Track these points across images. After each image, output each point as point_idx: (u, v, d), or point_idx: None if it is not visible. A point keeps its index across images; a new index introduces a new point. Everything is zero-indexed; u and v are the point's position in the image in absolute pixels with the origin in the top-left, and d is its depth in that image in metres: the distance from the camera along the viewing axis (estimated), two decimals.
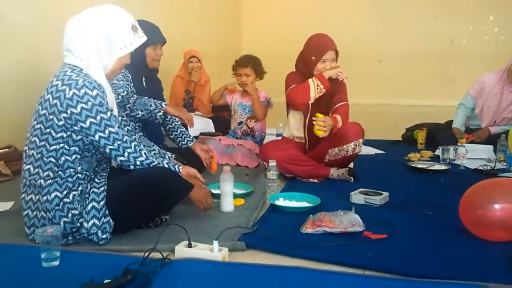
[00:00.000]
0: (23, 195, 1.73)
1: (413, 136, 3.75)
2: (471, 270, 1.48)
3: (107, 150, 1.68)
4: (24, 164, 1.71)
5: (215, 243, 1.55)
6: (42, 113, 1.66)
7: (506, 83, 3.47)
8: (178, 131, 2.76)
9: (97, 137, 1.65)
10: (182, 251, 1.57)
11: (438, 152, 3.19)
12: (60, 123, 1.63)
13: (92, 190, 1.71)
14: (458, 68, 5.88)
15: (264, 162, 2.62)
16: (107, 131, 1.65)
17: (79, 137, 1.67)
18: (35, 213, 1.69)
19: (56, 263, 1.48)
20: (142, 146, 1.83)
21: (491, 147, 3.28)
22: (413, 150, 3.42)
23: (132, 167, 1.73)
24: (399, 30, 6.25)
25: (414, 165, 2.98)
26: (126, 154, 1.70)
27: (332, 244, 1.69)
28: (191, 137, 2.78)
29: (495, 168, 2.87)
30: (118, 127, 1.71)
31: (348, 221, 1.82)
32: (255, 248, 1.68)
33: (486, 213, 1.71)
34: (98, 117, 1.63)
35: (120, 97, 2.40)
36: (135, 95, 2.51)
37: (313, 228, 1.81)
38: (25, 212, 1.72)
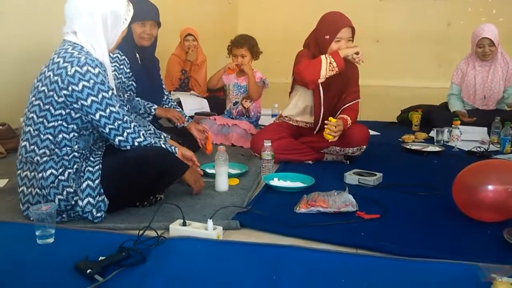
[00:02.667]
0: (18, 172, 1.72)
1: (408, 117, 3.76)
2: (462, 250, 1.50)
3: (106, 130, 1.67)
4: (21, 141, 1.71)
5: (210, 221, 1.56)
6: (41, 89, 1.64)
7: (476, 61, 3.61)
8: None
9: (97, 116, 1.64)
10: (176, 229, 1.58)
11: (433, 133, 3.20)
12: (60, 99, 1.62)
13: (87, 168, 1.70)
14: (455, 49, 5.84)
15: (256, 154, 2.59)
16: (108, 110, 1.65)
17: (78, 115, 1.66)
18: (30, 189, 1.69)
19: (51, 240, 1.48)
20: (140, 127, 1.82)
21: (485, 129, 3.30)
22: (408, 132, 3.43)
23: (128, 147, 1.72)
24: (397, 10, 6.19)
25: (408, 147, 2.99)
26: (125, 134, 1.70)
27: (325, 223, 1.71)
28: (186, 117, 2.77)
29: (489, 150, 2.88)
30: (119, 106, 1.70)
31: (341, 201, 1.84)
32: (249, 227, 1.69)
33: (479, 195, 1.73)
34: (100, 96, 1.63)
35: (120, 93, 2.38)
36: (124, 87, 2.48)
37: (307, 207, 1.82)
38: (20, 189, 1.72)
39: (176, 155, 1.90)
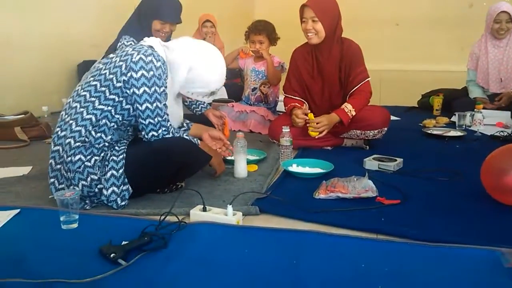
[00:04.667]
0: (51, 161, 1.75)
1: (429, 102, 3.70)
2: (485, 236, 1.48)
3: (146, 122, 1.71)
4: (63, 115, 1.74)
5: (229, 207, 1.57)
6: (104, 72, 1.70)
7: (490, 41, 3.52)
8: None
9: (143, 107, 1.68)
10: (197, 215, 1.60)
11: (454, 118, 3.15)
12: (118, 85, 1.67)
13: (111, 158, 1.72)
14: (477, 32, 5.67)
15: (274, 141, 2.60)
16: (155, 104, 1.69)
17: (127, 106, 1.70)
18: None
19: (75, 225, 1.52)
20: (174, 129, 1.84)
21: (508, 113, 3.22)
22: (429, 116, 3.38)
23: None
24: None
25: (429, 132, 2.95)
26: (160, 131, 1.73)
27: (345, 209, 1.70)
28: (205, 104, 2.77)
29: None
30: (164, 104, 1.74)
31: (361, 187, 1.83)
32: (268, 212, 1.70)
33: (507, 178, 1.70)
34: (153, 88, 1.67)
35: None
36: None
37: (326, 193, 1.82)
38: (51, 180, 1.75)
39: (199, 146, 1.91)
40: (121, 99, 1.69)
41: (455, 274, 1.23)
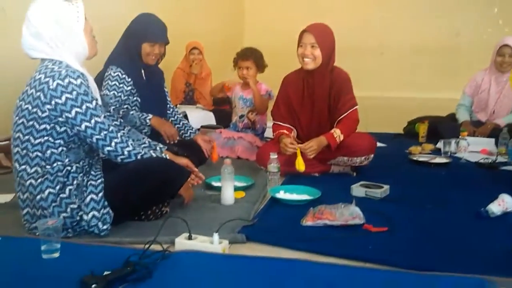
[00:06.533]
0: (18, 194, 1.72)
1: (415, 129, 3.74)
2: (470, 264, 1.48)
3: (94, 140, 1.65)
4: (13, 162, 1.70)
5: (215, 235, 1.54)
6: (25, 107, 1.63)
7: (493, 74, 3.56)
8: (181, 123, 2.76)
9: (83, 127, 1.63)
10: (182, 243, 1.57)
11: (440, 145, 3.18)
12: (44, 114, 1.61)
13: (89, 182, 1.70)
14: (461, 60, 5.83)
15: (261, 167, 2.60)
16: (93, 121, 1.63)
17: (63, 128, 1.64)
18: (33, 210, 1.69)
19: (56, 255, 1.48)
20: (128, 137, 1.81)
21: (492, 140, 3.27)
22: (415, 143, 3.41)
23: (119, 158, 1.71)
24: (402, 22, 6.19)
25: (415, 158, 2.97)
26: (113, 143, 1.68)
27: (332, 236, 1.69)
28: (193, 129, 2.78)
29: (497, 161, 2.86)
30: (104, 116, 1.69)
31: (348, 214, 1.82)
32: (255, 240, 1.68)
33: None
34: (84, 106, 1.61)
35: (111, 109, 2.38)
36: (129, 103, 2.50)
37: (314, 220, 1.81)
38: (25, 211, 1.71)
39: None
40: (52, 125, 1.63)
41: None
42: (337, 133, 2.49)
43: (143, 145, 2.07)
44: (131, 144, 1.75)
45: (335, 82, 2.58)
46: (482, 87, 3.60)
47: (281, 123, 2.69)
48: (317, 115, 2.63)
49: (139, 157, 1.74)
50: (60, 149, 1.66)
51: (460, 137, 3.09)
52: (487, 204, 1.93)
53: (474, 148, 3.10)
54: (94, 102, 1.65)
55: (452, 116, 3.78)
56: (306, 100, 2.65)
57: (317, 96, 2.61)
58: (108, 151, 1.69)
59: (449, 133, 3.33)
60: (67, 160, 1.68)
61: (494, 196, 1.98)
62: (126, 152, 1.71)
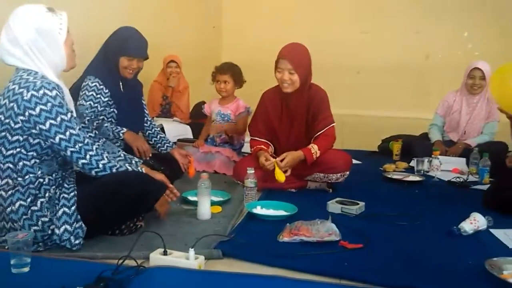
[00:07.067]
0: None
1: (389, 147, 3.81)
2: (444, 280, 1.51)
3: (68, 153, 1.62)
4: None
5: (191, 251, 1.53)
6: None
7: (464, 95, 3.67)
8: (158, 137, 2.74)
9: (57, 139, 1.59)
10: (157, 258, 1.54)
11: (413, 163, 3.24)
12: (17, 126, 1.58)
13: (62, 195, 1.66)
14: (433, 82, 6.00)
15: (239, 182, 2.60)
16: (67, 133, 1.60)
17: (36, 140, 1.61)
18: (3, 223, 1.64)
19: (26, 269, 1.43)
20: (103, 150, 1.79)
21: (464, 159, 3.36)
22: (389, 161, 3.47)
23: (94, 171, 1.68)
24: (377, 42, 6.35)
25: (389, 176, 3.03)
26: (88, 156, 1.65)
27: (308, 253, 1.69)
28: (170, 143, 2.76)
29: (468, 180, 2.93)
30: (79, 129, 1.67)
31: (324, 230, 1.83)
32: (231, 256, 1.66)
33: None
34: (58, 118, 1.58)
35: (86, 120, 2.35)
36: (105, 114, 2.46)
37: (290, 236, 1.81)
38: None
39: None
40: (25, 137, 1.60)
41: None
42: (315, 149, 2.52)
43: (118, 158, 2.03)
44: (106, 157, 1.72)
45: (313, 99, 2.63)
46: (453, 108, 3.71)
47: (258, 139, 2.70)
48: (295, 132, 2.66)
49: (114, 170, 1.71)
50: (32, 161, 1.62)
51: (432, 156, 3.16)
52: (459, 222, 1.97)
53: (446, 167, 3.18)
54: (69, 114, 1.62)
55: (425, 135, 3.87)
56: (284, 116, 2.67)
57: (295, 113, 2.64)
58: (83, 163, 1.65)
59: (422, 152, 3.40)
60: (39, 172, 1.64)
61: (465, 214, 2.02)
62: (101, 165, 1.68)
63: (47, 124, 1.58)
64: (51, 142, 1.60)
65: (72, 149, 1.62)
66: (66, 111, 1.61)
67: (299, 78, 2.54)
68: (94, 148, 1.68)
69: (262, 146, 2.64)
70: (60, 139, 1.60)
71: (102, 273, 1.34)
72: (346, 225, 1.96)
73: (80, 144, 1.63)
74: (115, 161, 1.75)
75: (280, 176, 2.45)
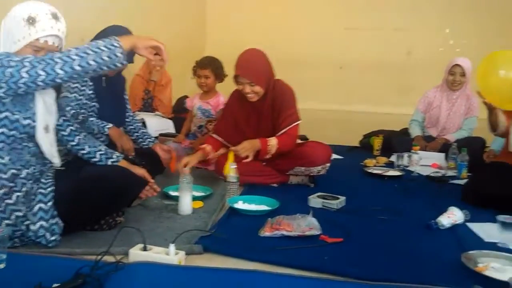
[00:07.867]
0: None
1: (370, 142, 3.84)
2: (422, 274, 1.53)
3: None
4: None
5: (172, 246, 1.52)
6: None
7: (445, 92, 3.72)
8: (140, 132, 2.70)
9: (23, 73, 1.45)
10: (136, 254, 1.53)
11: (393, 158, 3.28)
12: None
13: (39, 190, 1.63)
14: (414, 78, 6.08)
15: (220, 176, 2.58)
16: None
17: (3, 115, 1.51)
18: None
19: (2, 266, 1.41)
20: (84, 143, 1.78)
21: (442, 155, 3.41)
22: (370, 156, 3.50)
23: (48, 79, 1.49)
24: (360, 38, 6.40)
25: (370, 171, 3.05)
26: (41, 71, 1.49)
27: (289, 247, 1.70)
28: (152, 138, 2.73)
29: (446, 175, 2.98)
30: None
31: (305, 225, 1.84)
32: (212, 251, 1.66)
33: None
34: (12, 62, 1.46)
35: (68, 114, 2.30)
36: (86, 108, 2.42)
37: (271, 231, 1.82)
38: None
39: None
40: None
41: None
42: (272, 143, 2.49)
43: (99, 152, 2.01)
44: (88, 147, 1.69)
45: (277, 97, 2.59)
46: (434, 103, 3.76)
47: (216, 137, 2.67)
48: (263, 130, 2.61)
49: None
50: (1, 145, 1.53)
51: (412, 151, 3.20)
52: (437, 216, 2.00)
53: (425, 162, 3.22)
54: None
55: (405, 131, 3.92)
56: (251, 116, 2.65)
57: (261, 112, 2.62)
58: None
59: (402, 147, 3.44)
60: (7, 158, 1.54)
61: (443, 208, 2.06)
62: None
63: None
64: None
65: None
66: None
67: (261, 88, 2.52)
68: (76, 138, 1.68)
69: (206, 146, 2.59)
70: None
71: (81, 269, 1.32)
72: (327, 219, 1.97)
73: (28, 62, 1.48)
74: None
75: (229, 170, 2.36)
